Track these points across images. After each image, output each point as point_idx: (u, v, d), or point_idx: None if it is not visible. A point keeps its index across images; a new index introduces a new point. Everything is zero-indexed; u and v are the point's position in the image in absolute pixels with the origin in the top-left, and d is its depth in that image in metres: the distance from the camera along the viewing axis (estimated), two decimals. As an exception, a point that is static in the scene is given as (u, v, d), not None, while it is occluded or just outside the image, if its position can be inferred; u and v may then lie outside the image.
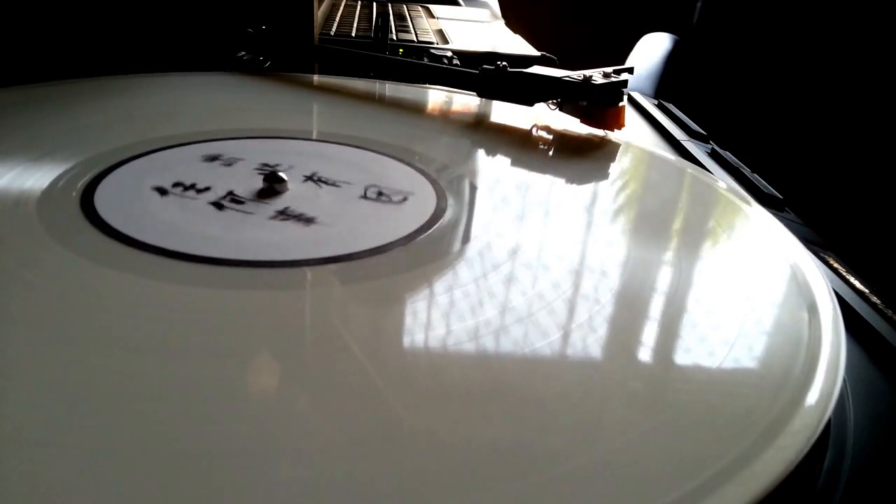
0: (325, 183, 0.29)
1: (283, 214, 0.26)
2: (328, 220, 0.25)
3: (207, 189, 0.27)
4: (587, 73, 0.40)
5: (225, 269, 0.22)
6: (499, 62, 0.42)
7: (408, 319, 0.21)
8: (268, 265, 0.22)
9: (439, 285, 0.22)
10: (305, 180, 0.29)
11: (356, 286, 0.22)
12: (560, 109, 0.40)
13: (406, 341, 0.19)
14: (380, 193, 0.28)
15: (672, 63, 0.83)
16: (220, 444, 0.14)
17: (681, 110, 0.55)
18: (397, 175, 0.30)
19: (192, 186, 0.27)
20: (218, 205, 0.26)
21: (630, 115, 0.53)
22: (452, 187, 0.30)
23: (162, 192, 0.27)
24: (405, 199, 0.28)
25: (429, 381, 0.18)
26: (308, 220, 0.25)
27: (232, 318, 0.20)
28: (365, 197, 0.28)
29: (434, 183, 0.30)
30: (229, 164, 0.30)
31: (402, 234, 0.25)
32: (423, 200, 0.28)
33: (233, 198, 0.27)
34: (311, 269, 0.22)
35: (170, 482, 0.13)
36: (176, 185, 0.27)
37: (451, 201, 0.28)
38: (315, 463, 0.14)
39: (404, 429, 0.16)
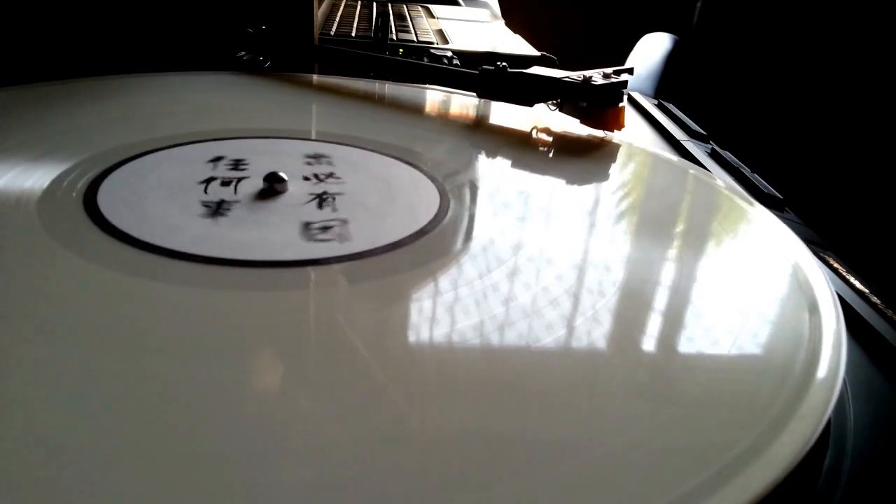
0: (325, 203, 0.27)
1: (216, 207, 0.25)
2: (229, 225, 0.24)
3: (244, 168, 0.29)
4: (587, 73, 0.40)
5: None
6: (499, 62, 0.42)
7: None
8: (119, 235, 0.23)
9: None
10: (317, 198, 0.27)
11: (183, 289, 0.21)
12: (560, 110, 0.40)
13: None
14: (324, 228, 0.25)
15: (672, 63, 0.83)
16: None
17: (681, 110, 0.55)
18: (398, 216, 0.27)
19: (238, 164, 0.30)
20: (207, 181, 0.28)
21: (630, 115, 0.53)
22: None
23: (216, 159, 0.30)
24: (330, 241, 0.24)
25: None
26: (218, 216, 0.25)
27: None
28: (307, 226, 0.25)
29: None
30: (309, 164, 0.31)
31: (236, 256, 0.22)
32: (350, 245, 0.24)
33: (222, 182, 0.27)
34: (127, 251, 0.22)
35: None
36: (233, 160, 0.30)
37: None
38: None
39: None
